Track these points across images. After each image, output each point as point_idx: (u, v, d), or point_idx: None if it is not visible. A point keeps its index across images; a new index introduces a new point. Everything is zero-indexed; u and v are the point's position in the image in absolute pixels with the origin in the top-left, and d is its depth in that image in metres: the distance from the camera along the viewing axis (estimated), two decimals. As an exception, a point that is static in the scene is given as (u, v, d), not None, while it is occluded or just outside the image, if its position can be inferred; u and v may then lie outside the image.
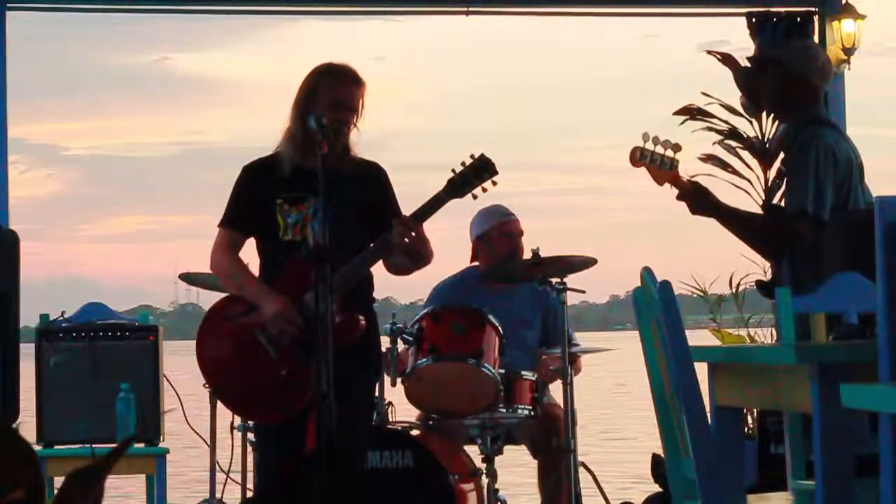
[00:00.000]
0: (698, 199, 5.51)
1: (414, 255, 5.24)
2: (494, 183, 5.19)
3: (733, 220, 5.58)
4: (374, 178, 5.32)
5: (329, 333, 4.63)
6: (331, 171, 4.97)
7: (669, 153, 5.40)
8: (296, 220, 5.20)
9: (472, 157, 5.17)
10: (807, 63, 5.61)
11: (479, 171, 5.15)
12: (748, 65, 6.37)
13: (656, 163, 5.39)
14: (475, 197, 5.19)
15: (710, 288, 8.82)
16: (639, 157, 5.37)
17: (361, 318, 5.08)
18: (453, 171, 5.16)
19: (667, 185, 5.44)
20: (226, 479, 6.93)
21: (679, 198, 5.49)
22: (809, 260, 5.32)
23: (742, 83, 7.89)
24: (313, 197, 5.11)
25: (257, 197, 5.24)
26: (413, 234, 5.11)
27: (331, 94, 5.17)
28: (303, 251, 5.10)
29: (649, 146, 5.35)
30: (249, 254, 5.39)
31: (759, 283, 5.96)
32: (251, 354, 5.13)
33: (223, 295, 5.52)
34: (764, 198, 8.04)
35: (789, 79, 5.60)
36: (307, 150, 5.13)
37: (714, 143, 8.46)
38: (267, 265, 5.28)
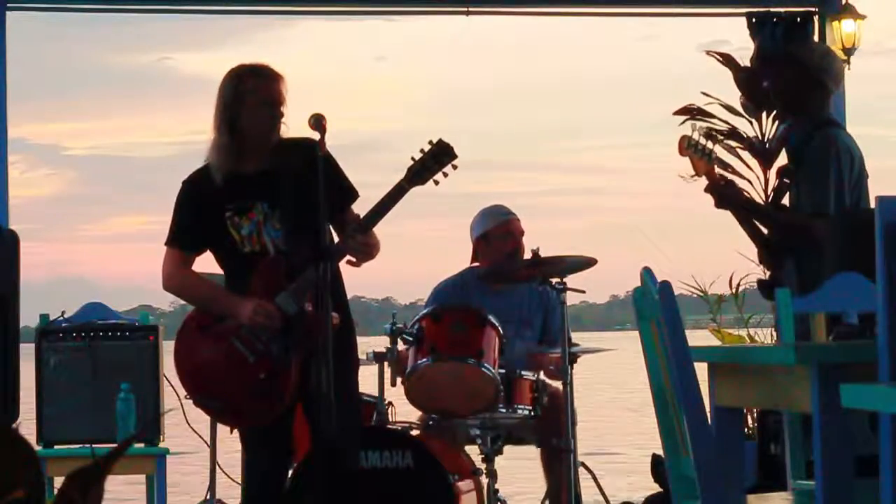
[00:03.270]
0: (727, 193, 5.60)
1: (360, 260, 5.20)
2: (455, 167, 5.16)
3: (759, 215, 5.65)
4: (312, 157, 5.25)
5: (329, 333, 4.63)
6: (269, 172, 4.96)
7: (710, 144, 5.53)
8: (250, 230, 5.15)
9: (430, 143, 5.14)
10: (824, 65, 5.65)
11: (437, 156, 5.12)
12: (750, 64, 6.40)
13: (699, 153, 5.51)
14: (437, 183, 5.15)
15: (710, 288, 8.82)
16: (686, 145, 5.49)
17: (335, 314, 5.05)
18: (413, 158, 5.13)
19: (679, 182, 5.55)
20: (212, 478, 6.93)
21: (707, 190, 5.59)
22: (814, 260, 5.34)
23: (745, 81, 7.91)
24: (259, 202, 5.10)
25: (203, 212, 5.16)
26: (361, 247, 5.08)
27: (257, 94, 5.10)
28: (300, 253, 5.08)
29: (695, 135, 5.48)
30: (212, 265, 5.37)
31: (760, 282, 5.98)
32: (228, 361, 5.10)
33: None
34: (764, 198, 8.05)
35: (805, 79, 5.64)
36: (241, 156, 5.11)
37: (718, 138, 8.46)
38: (233, 277, 5.24)
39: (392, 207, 5.08)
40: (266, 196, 5.07)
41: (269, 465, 5.13)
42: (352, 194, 5.24)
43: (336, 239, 5.17)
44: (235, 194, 5.12)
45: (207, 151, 5.18)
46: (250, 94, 5.11)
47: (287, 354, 5.02)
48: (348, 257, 5.13)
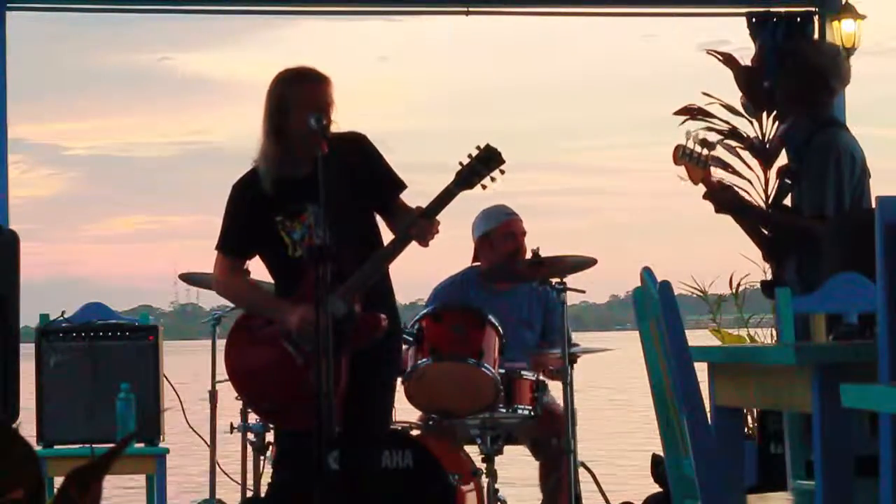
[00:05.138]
0: (725, 198, 5.62)
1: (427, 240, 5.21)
2: (502, 172, 5.19)
3: (758, 218, 5.68)
4: (357, 152, 5.24)
5: (329, 333, 4.64)
6: (315, 172, 4.98)
7: (705, 151, 5.56)
8: (301, 234, 5.17)
9: (477, 147, 5.17)
10: (831, 65, 5.67)
11: (486, 161, 5.15)
12: (751, 64, 6.40)
13: (695, 161, 5.54)
14: (484, 187, 5.19)
15: (710, 288, 8.82)
16: (681, 155, 5.52)
17: (383, 316, 5.07)
18: (460, 163, 5.15)
19: (679, 183, 5.58)
20: (212, 478, 6.93)
21: (706, 196, 5.61)
22: (815, 261, 5.34)
23: (746, 81, 7.91)
24: (310, 205, 5.10)
25: (254, 218, 5.19)
26: (431, 229, 5.11)
27: (306, 99, 5.10)
28: (305, 255, 5.10)
29: (689, 144, 5.50)
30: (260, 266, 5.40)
31: (763, 282, 5.99)
32: (278, 363, 5.15)
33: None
34: (764, 198, 8.05)
35: (812, 76, 5.65)
36: (290, 161, 5.12)
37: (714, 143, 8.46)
38: (283, 280, 5.26)
39: (440, 211, 5.11)
40: (316, 198, 5.06)
41: (300, 462, 5.14)
42: (398, 185, 5.26)
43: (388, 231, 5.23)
44: (286, 199, 5.13)
45: (257, 155, 5.18)
46: (298, 99, 5.10)
47: (336, 356, 5.04)
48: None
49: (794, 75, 5.72)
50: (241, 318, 5.38)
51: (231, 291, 5.35)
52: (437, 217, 5.14)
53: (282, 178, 5.15)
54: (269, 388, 5.19)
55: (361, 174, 5.19)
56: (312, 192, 5.03)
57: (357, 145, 5.25)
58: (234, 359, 5.29)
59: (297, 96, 5.11)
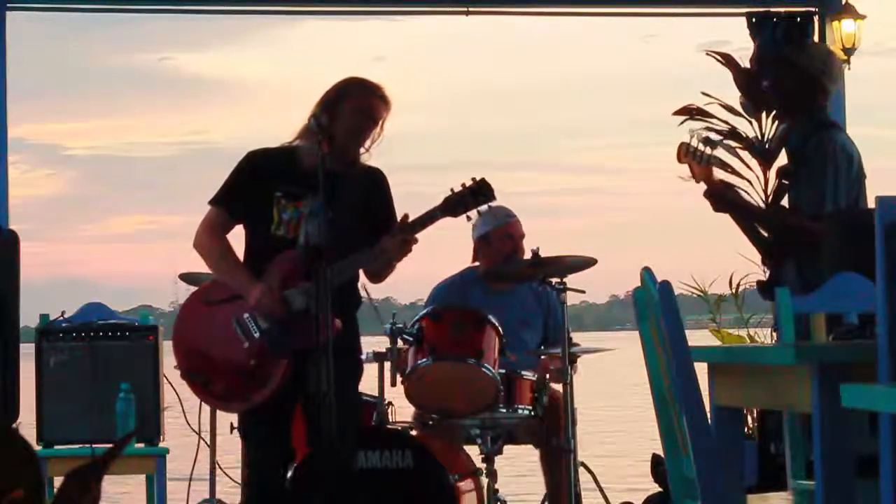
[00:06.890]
0: (725, 197, 5.65)
1: (383, 271, 5.28)
2: (490, 207, 5.29)
3: (757, 218, 5.70)
4: (377, 185, 5.37)
5: (329, 332, 4.64)
6: (336, 175, 5.00)
7: (708, 150, 5.61)
8: (290, 217, 5.21)
9: (473, 179, 5.21)
10: (824, 67, 5.68)
11: (476, 194, 5.22)
12: (750, 64, 6.40)
13: (698, 159, 5.58)
14: (469, 218, 5.28)
15: (710, 288, 8.83)
16: (685, 152, 5.56)
17: (336, 320, 5.08)
18: (452, 189, 5.20)
19: (679, 183, 5.61)
20: (212, 478, 6.92)
21: (706, 194, 5.64)
22: (814, 261, 5.35)
23: (745, 82, 7.92)
24: (311, 196, 5.12)
25: (256, 185, 5.24)
26: (408, 247, 5.16)
27: (357, 101, 5.22)
28: (299, 248, 5.11)
29: (693, 142, 5.55)
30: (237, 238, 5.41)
31: (760, 283, 6.00)
32: (224, 341, 5.18)
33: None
34: (764, 198, 8.05)
35: (805, 80, 5.66)
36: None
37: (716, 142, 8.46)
38: (253, 256, 5.28)
39: (420, 231, 5.18)
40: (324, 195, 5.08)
41: (270, 465, 5.16)
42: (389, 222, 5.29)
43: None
44: (295, 181, 5.17)
45: (297, 132, 5.22)
46: (350, 98, 5.22)
47: (280, 349, 5.07)
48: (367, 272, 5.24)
49: (786, 80, 5.74)
50: (200, 290, 5.40)
51: (206, 246, 5.34)
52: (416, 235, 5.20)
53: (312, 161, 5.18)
54: (209, 363, 5.23)
55: (371, 205, 5.30)
56: (325, 187, 5.05)
57: (377, 180, 5.36)
58: (181, 329, 5.32)
59: (356, 98, 5.23)
